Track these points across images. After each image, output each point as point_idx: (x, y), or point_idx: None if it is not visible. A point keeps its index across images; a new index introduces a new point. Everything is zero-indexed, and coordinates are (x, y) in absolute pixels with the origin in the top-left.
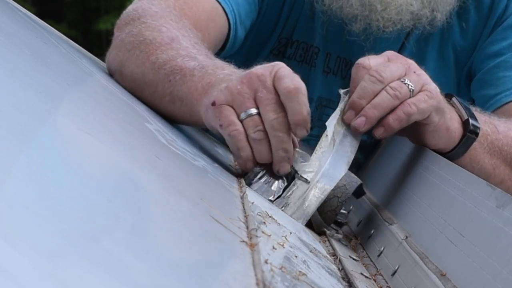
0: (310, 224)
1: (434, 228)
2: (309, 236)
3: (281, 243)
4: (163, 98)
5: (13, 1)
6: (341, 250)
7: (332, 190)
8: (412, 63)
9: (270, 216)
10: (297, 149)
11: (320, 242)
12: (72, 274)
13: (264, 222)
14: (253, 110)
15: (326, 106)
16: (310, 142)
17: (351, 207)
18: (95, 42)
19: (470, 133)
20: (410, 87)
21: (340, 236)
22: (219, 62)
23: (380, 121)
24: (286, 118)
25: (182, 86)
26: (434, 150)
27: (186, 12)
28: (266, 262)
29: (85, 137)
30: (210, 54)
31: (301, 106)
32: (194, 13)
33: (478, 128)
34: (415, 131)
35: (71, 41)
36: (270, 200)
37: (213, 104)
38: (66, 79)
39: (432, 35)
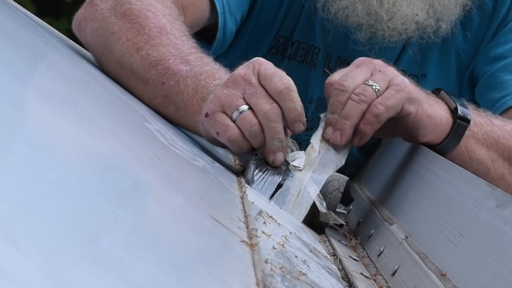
0: (311, 223)
1: (434, 228)
2: (309, 236)
3: (281, 243)
4: (155, 98)
5: (13, 1)
6: (341, 250)
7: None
8: (377, 62)
9: (270, 216)
10: (288, 138)
11: (320, 242)
12: (72, 274)
13: (264, 222)
14: (244, 107)
15: (327, 106)
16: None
17: (351, 207)
18: None
19: (460, 120)
20: (374, 87)
21: (342, 222)
22: (209, 67)
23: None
24: (279, 108)
25: (177, 95)
26: (430, 145)
27: None
28: (266, 262)
29: (85, 137)
30: (198, 49)
31: (295, 103)
32: None
33: (469, 115)
34: (399, 128)
35: (71, 41)
36: (273, 193)
37: (206, 115)
38: (66, 79)
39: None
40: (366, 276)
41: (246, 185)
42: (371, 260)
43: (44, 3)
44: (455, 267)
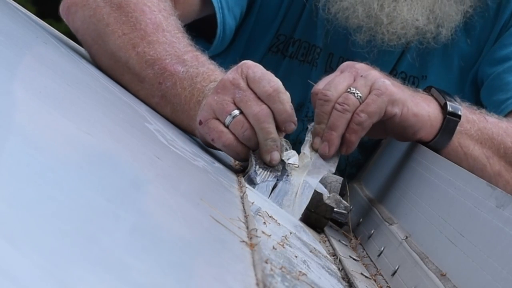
0: (311, 222)
1: (434, 228)
2: (309, 236)
3: (281, 243)
4: (152, 97)
5: (13, 1)
6: (341, 250)
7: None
8: (360, 67)
9: (270, 216)
10: (281, 138)
11: (320, 242)
12: (72, 274)
13: (264, 222)
14: (236, 112)
15: None
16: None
17: (351, 207)
18: None
19: (450, 115)
20: (356, 95)
21: (344, 211)
22: (204, 67)
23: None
24: (269, 109)
25: (175, 97)
26: (423, 143)
27: None
28: (266, 262)
29: (85, 137)
30: (193, 47)
31: (284, 105)
32: None
33: (459, 110)
34: (388, 130)
35: (71, 41)
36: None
37: (200, 123)
38: (66, 79)
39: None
40: (366, 276)
41: (246, 185)
42: (371, 260)
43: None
44: (455, 267)
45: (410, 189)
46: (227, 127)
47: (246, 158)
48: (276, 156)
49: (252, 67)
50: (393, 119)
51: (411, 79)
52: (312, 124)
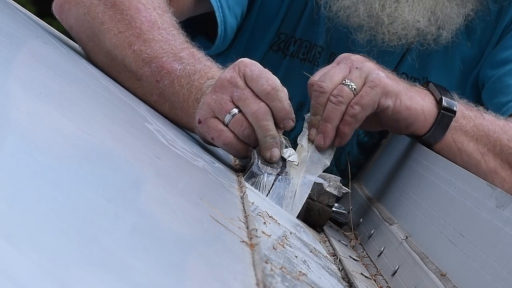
0: (314, 212)
1: (434, 228)
2: (309, 236)
3: (281, 243)
4: (150, 95)
5: (13, 1)
6: (341, 250)
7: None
8: (355, 59)
9: (270, 216)
10: (281, 135)
11: (320, 242)
12: (72, 274)
13: (264, 222)
14: (234, 110)
15: None
16: None
17: (351, 207)
18: None
19: (444, 110)
20: (351, 87)
21: (343, 211)
22: (201, 64)
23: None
24: (267, 107)
25: (173, 95)
26: (417, 137)
27: None
28: (266, 262)
29: (85, 137)
30: (189, 43)
31: (282, 103)
32: None
33: (454, 106)
34: (382, 122)
35: (71, 41)
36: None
37: (199, 122)
38: (66, 79)
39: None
40: (366, 276)
41: (246, 185)
42: (371, 260)
43: (44, 4)
44: (455, 267)
45: (410, 189)
46: (226, 125)
47: (246, 155)
48: (276, 152)
49: (249, 65)
50: (386, 111)
51: (412, 81)
52: (308, 115)
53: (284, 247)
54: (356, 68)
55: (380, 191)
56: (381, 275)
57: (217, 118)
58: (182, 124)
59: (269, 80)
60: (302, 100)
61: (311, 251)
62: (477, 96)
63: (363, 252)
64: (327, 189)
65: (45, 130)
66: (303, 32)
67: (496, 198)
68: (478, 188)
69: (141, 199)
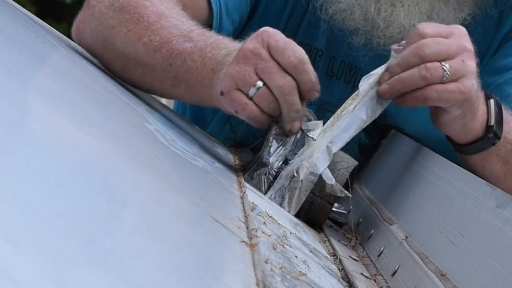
0: (315, 207)
1: (434, 228)
2: (309, 236)
3: (281, 243)
4: (164, 81)
5: (13, 1)
6: (341, 250)
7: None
8: (468, 50)
9: (270, 216)
10: (304, 107)
11: (320, 242)
12: (72, 274)
13: (264, 222)
14: (259, 83)
15: (327, 110)
16: None
17: (351, 207)
18: None
19: (488, 139)
20: (446, 72)
21: (348, 194)
22: (212, 38)
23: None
24: (293, 80)
25: (187, 73)
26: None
27: None
28: (266, 262)
29: (85, 137)
30: (199, 26)
31: (309, 75)
32: None
33: (499, 138)
34: (434, 111)
35: (71, 41)
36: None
37: (222, 93)
38: (66, 79)
39: None
40: (366, 276)
41: (246, 185)
42: (371, 260)
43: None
44: (455, 267)
45: (410, 189)
46: (250, 98)
47: (268, 126)
48: (297, 125)
49: (273, 35)
50: (446, 114)
51: None
52: (396, 48)
53: (284, 247)
54: (462, 60)
55: (380, 191)
56: (381, 275)
57: (240, 90)
58: (200, 101)
59: (295, 52)
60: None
61: (311, 251)
62: None
63: (363, 252)
64: (327, 191)
65: (45, 130)
66: (304, 35)
67: (496, 198)
68: (478, 188)
69: (141, 199)
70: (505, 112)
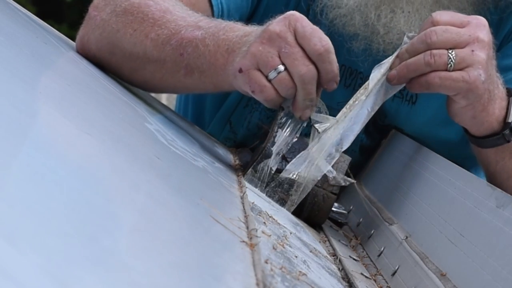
0: (318, 199)
1: (434, 228)
2: (309, 236)
3: (281, 243)
4: (176, 73)
5: (13, 1)
6: (341, 250)
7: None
8: (481, 41)
9: (270, 216)
10: (318, 98)
11: (320, 242)
12: (72, 274)
13: (264, 222)
14: (281, 67)
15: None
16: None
17: (351, 207)
18: None
19: (503, 136)
20: (451, 60)
21: (352, 180)
22: (224, 24)
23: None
24: (315, 70)
25: (199, 58)
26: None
27: None
28: (266, 262)
29: (85, 137)
30: (206, 17)
31: (332, 65)
32: None
33: None
34: (447, 100)
35: (71, 41)
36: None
37: (240, 71)
38: (66, 79)
39: None
40: (366, 276)
41: (246, 185)
42: (371, 260)
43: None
44: (455, 267)
45: (410, 189)
46: (269, 81)
47: (279, 105)
48: (307, 113)
49: (301, 20)
50: (455, 103)
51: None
52: (410, 35)
53: (284, 247)
54: (472, 50)
55: (380, 191)
56: (381, 275)
57: (260, 71)
58: (214, 85)
59: (322, 40)
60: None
61: (311, 251)
62: None
63: (363, 252)
64: (331, 182)
65: (45, 130)
66: None
67: (496, 198)
68: (478, 188)
69: (141, 199)
70: None
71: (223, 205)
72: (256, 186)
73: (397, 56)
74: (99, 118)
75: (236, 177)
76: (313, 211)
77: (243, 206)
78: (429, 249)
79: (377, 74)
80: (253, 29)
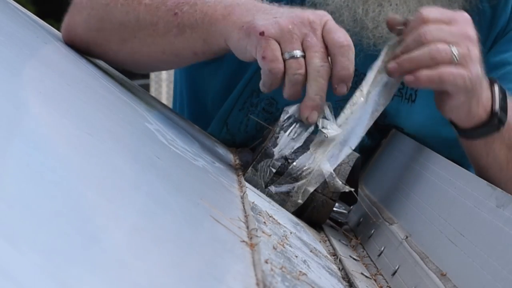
0: (318, 204)
1: (434, 228)
2: (309, 236)
3: (281, 243)
4: (167, 34)
5: (13, 1)
6: (341, 250)
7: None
8: (472, 38)
9: (270, 216)
10: (328, 103)
11: (320, 242)
12: (72, 274)
13: (264, 222)
14: (299, 53)
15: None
16: None
17: (351, 207)
18: None
19: (492, 125)
20: (454, 55)
21: (351, 189)
22: None
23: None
24: (330, 69)
25: (194, 14)
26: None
27: None
28: (266, 262)
29: (85, 137)
30: None
31: (350, 63)
32: None
33: (503, 124)
34: (439, 97)
35: None
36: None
37: (262, 34)
38: (66, 79)
39: None
40: (366, 276)
41: (247, 185)
42: (371, 260)
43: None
44: (455, 267)
45: (411, 189)
46: (283, 59)
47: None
48: (314, 116)
49: (331, 19)
50: (452, 100)
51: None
52: (389, 44)
53: (284, 247)
54: (467, 48)
55: (380, 191)
56: (381, 275)
57: (279, 45)
58: (204, 40)
59: (347, 37)
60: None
61: (311, 251)
62: None
63: (363, 252)
64: (331, 190)
65: (45, 130)
66: None
67: (496, 198)
68: (478, 188)
69: (141, 199)
70: (509, 99)
71: (223, 205)
72: (256, 186)
73: (392, 58)
74: (99, 118)
75: (236, 177)
76: (312, 216)
77: (243, 206)
78: (429, 249)
79: (371, 74)
80: (266, 4)
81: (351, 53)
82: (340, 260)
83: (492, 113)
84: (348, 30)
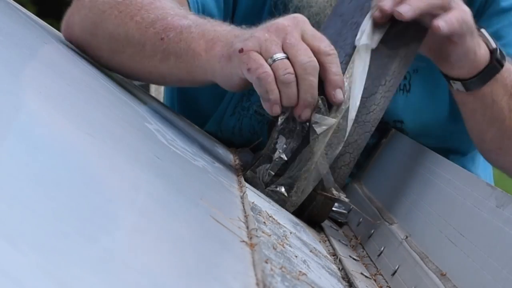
0: (317, 204)
1: (434, 228)
2: (309, 236)
3: (281, 243)
4: (153, 57)
5: (13, 1)
6: (341, 250)
7: (344, 147)
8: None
9: (270, 216)
10: (321, 97)
11: (320, 242)
12: (72, 274)
13: (264, 222)
14: (281, 55)
15: None
16: None
17: (351, 207)
18: None
19: (496, 62)
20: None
21: (343, 211)
22: (212, 20)
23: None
24: (317, 64)
25: (179, 43)
26: (454, 78)
27: None
28: (266, 262)
29: (85, 137)
30: (196, 14)
31: (339, 69)
32: None
33: (504, 59)
34: (443, 51)
35: None
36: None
37: (241, 51)
38: (66, 79)
39: None
40: (366, 276)
41: (246, 185)
42: (371, 260)
43: (45, 4)
44: (455, 267)
45: (410, 189)
46: (268, 64)
47: (272, 98)
48: (307, 113)
49: (307, 24)
50: (459, 47)
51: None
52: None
53: (284, 247)
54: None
55: (380, 191)
56: (381, 275)
57: (261, 54)
58: (188, 72)
59: (331, 46)
60: None
61: (311, 251)
62: None
63: (363, 252)
64: (325, 193)
65: (45, 130)
66: None
67: (496, 198)
68: (478, 188)
69: (141, 199)
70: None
71: (223, 205)
72: (256, 187)
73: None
74: (99, 118)
75: (236, 177)
76: (311, 216)
77: (243, 206)
78: (429, 249)
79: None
80: (244, 29)
81: (338, 60)
82: (340, 260)
83: (491, 50)
84: None
